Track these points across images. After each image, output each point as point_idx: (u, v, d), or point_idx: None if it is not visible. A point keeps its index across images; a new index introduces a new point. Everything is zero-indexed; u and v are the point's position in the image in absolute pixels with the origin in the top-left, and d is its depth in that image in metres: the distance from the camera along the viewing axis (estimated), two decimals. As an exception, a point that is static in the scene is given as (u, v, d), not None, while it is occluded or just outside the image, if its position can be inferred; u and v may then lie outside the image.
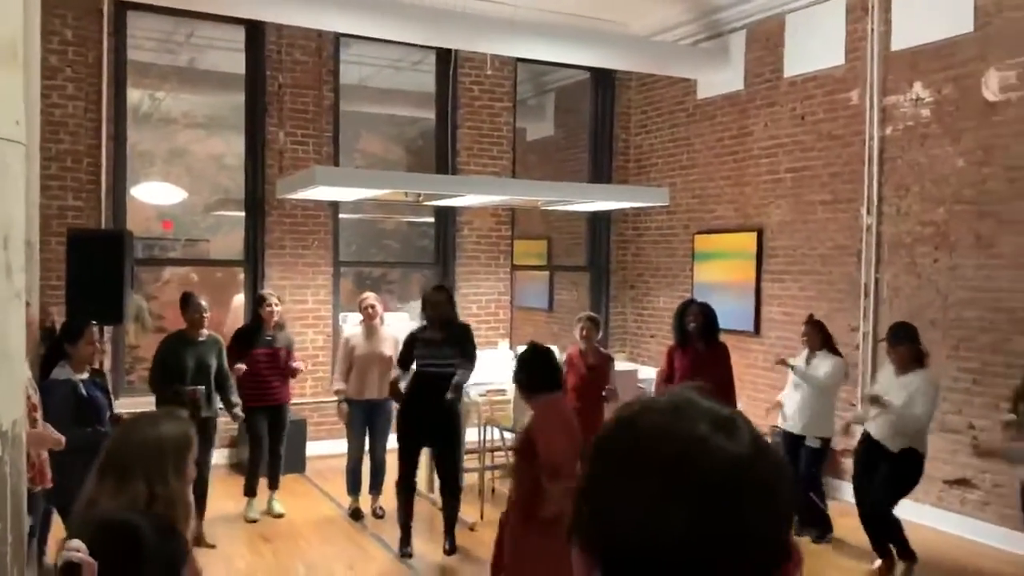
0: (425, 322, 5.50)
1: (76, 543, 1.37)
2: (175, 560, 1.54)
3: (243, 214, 7.89)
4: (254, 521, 6.01)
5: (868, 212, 6.67)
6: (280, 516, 6.12)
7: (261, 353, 5.99)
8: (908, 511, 4.96)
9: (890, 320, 6.47)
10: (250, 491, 6.11)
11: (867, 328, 6.67)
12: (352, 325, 6.63)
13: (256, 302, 6.28)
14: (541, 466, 3.27)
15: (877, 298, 6.63)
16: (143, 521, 1.51)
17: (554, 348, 8.19)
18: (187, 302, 5.65)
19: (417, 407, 5.33)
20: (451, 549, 5.42)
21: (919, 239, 6.34)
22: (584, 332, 5.93)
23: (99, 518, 1.54)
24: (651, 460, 0.76)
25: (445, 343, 5.40)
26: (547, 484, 3.21)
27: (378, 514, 6.18)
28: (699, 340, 5.79)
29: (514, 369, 3.79)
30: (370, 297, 6.30)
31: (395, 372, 5.75)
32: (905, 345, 5.01)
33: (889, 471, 4.92)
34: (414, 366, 5.51)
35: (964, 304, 5.99)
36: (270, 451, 6.16)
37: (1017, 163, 5.67)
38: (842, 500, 6.04)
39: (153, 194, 8.73)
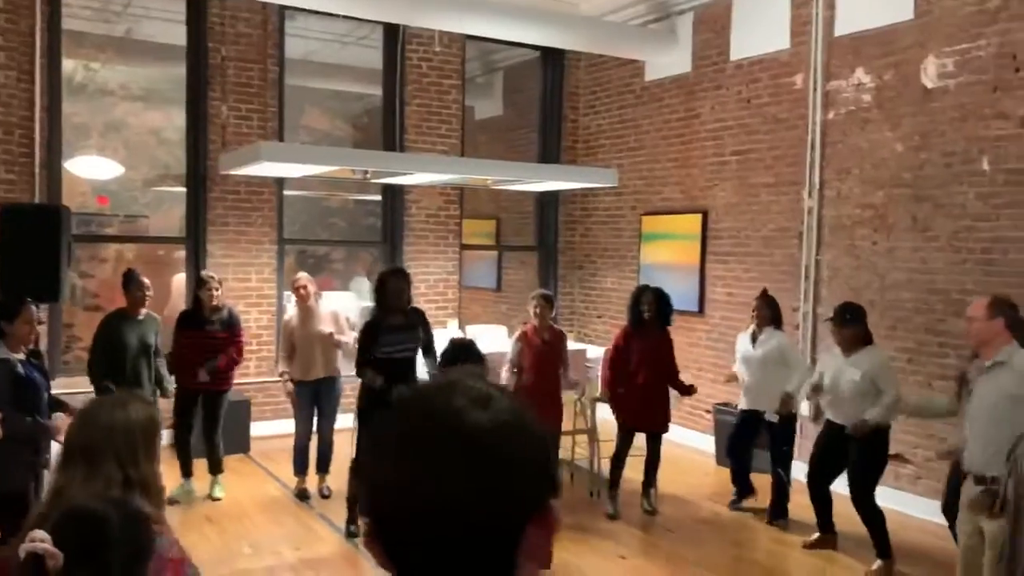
0: (379, 307, 5.37)
1: (40, 534, 1.34)
2: (142, 550, 1.50)
3: (184, 190, 7.69)
4: (174, 502, 5.74)
5: (810, 195, 6.81)
6: (217, 499, 6.00)
7: (199, 335, 5.87)
8: (845, 486, 5.11)
9: (830, 300, 6.65)
10: (184, 472, 5.97)
11: (807, 308, 6.84)
12: (292, 306, 6.55)
13: (196, 284, 6.16)
14: None
15: (817, 279, 6.80)
16: (110, 510, 1.47)
17: (503, 328, 8.22)
18: (130, 280, 5.52)
19: (389, 394, 5.25)
20: None
21: (858, 222, 6.50)
22: (538, 310, 5.97)
23: (64, 508, 1.50)
24: (410, 429, 0.86)
25: (410, 327, 5.34)
26: None
27: (325, 494, 6.14)
28: (654, 325, 5.90)
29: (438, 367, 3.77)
30: (302, 278, 6.21)
31: (377, 379, 5.12)
32: (852, 327, 5.01)
33: (860, 453, 4.89)
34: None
35: (900, 286, 6.18)
36: (205, 437, 6.04)
37: (953, 149, 5.84)
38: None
39: (88, 168, 8.46)
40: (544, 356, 5.83)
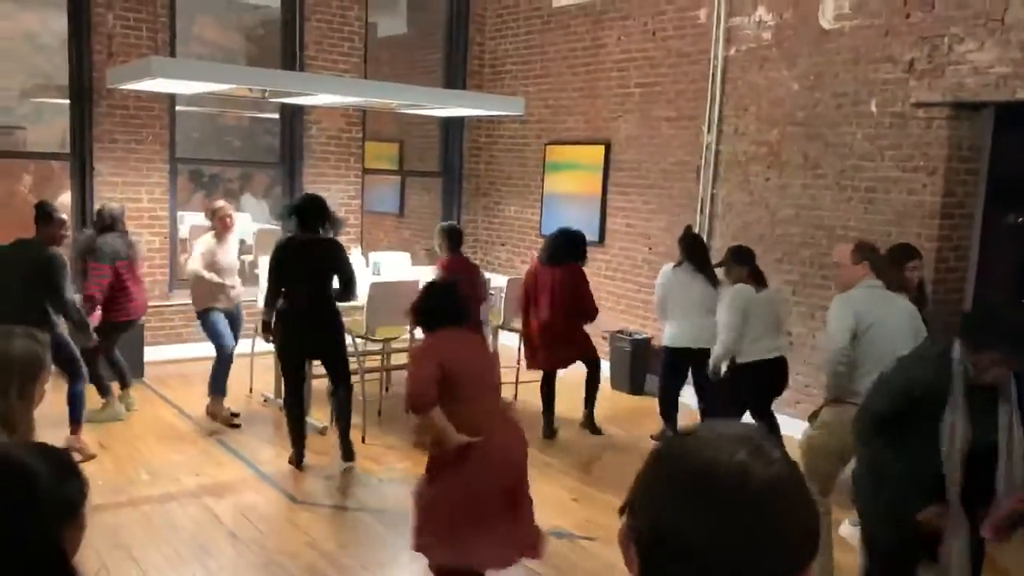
0: (294, 233, 5.27)
1: None
2: (75, 502, 1.45)
3: (67, 102, 7.23)
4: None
5: (708, 130, 6.97)
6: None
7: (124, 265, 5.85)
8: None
9: (724, 234, 6.90)
10: (105, 391, 5.92)
11: (702, 241, 7.06)
12: (202, 235, 6.27)
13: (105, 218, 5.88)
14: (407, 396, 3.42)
15: (712, 213, 7.02)
16: (41, 463, 1.39)
17: (406, 255, 8.15)
18: (48, 215, 5.12)
19: (307, 322, 5.22)
20: (348, 455, 5.39)
21: (753, 158, 6.71)
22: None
23: None
24: (707, 486, 0.87)
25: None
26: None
27: (234, 414, 6.08)
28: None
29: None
30: (226, 206, 6.14)
31: (265, 312, 5.30)
32: (748, 267, 5.34)
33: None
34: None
35: (789, 221, 6.46)
36: (109, 361, 6.02)
37: (844, 90, 6.07)
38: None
39: (-44, 74, 7.83)
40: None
